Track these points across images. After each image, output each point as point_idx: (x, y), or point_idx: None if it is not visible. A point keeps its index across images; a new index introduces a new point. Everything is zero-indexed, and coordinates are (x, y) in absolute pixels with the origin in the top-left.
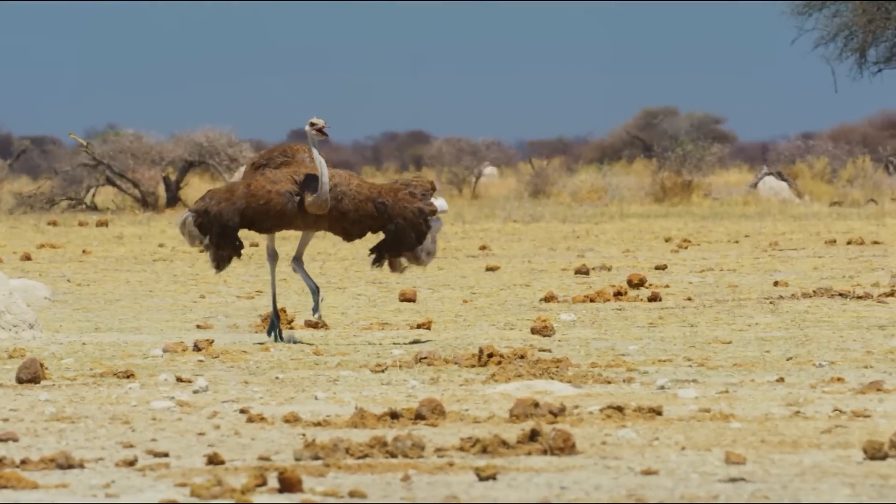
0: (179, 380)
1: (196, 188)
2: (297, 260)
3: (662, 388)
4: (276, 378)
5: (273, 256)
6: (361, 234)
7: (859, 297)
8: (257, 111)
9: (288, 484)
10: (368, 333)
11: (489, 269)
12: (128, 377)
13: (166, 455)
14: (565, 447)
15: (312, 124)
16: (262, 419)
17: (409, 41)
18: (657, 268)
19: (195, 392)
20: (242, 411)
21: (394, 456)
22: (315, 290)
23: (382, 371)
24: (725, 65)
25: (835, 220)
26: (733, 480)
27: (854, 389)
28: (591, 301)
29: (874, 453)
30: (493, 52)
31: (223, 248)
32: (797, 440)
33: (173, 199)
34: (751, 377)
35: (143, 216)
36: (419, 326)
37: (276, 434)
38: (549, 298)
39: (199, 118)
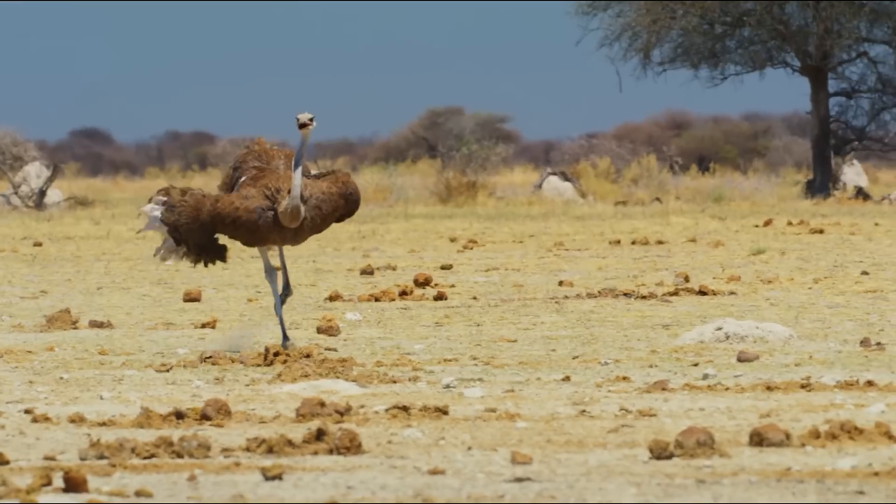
0: None
1: None
2: (271, 271)
3: (448, 387)
4: (61, 378)
5: (270, 271)
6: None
7: (644, 297)
8: (41, 110)
9: (73, 484)
10: (153, 333)
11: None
12: None
13: None
14: (351, 447)
15: (301, 125)
16: (48, 419)
17: (193, 41)
18: (443, 267)
19: None
20: (27, 411)
21: (180, 456)
22: (279, 302)
23: (167, 371)
24: (510, 64)
25: (619, 220)
26: (519, 480)
27: (639, 388)
28: (377, 300)
29: (660, 452)
30: (278, 53)
31: (208, 256)
32: (583, 439)
33: None
34: (537, 376)
35: None
36: (204, 326)
37: (61, 434)
38: (334, 298)
39: None
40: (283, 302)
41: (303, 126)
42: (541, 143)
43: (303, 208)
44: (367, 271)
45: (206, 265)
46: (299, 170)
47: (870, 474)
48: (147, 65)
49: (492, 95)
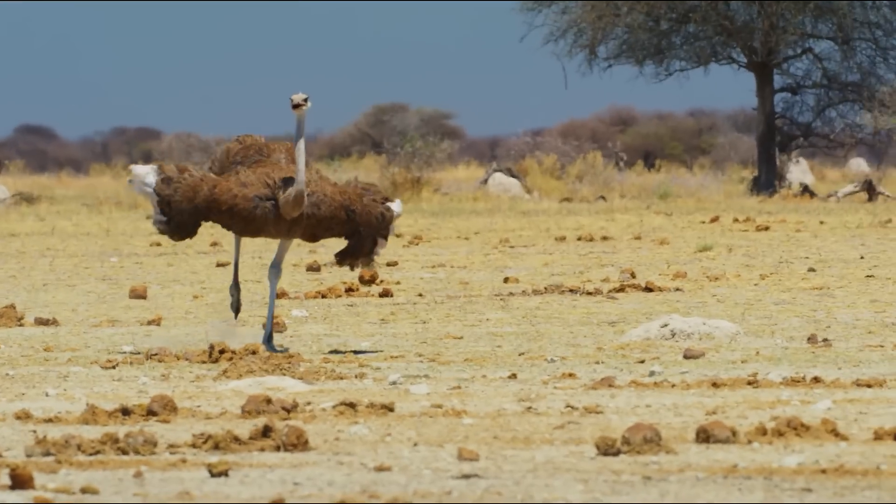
0: None
1: None
2: (276, 267)
3: (394, 384)
4: (7, 375)
5: (276, 267)
6: (324, 238)
7: (589, 294)
8: None
9: (19, 480)
10: (99, 330)
11: (220, 265)
12: None
13: None
14: (298, 443)
15: (295, 105)
16: None
17: (139, 36)
18: (388, 264)
19: None
20: None
21: (126, 452)
22: (269, 315)
23: (113, 367)
24: (455, 61)
25: (564, 216)
26: (466, 477)
27: (586, 385)
28: (323, 297)
29: (606, 449)
30: (222, 49)
31: (179, 234)
32: (530, 436)
33: None
34: (483, 373)
35: None
36: (150, 323)
37: (7, 431)
38: (280, 294)
39: None
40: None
41: (296, 106)
42: (486, 140)
43: (306, 198)
44: (314, 268)
45: (174, 239)
46: (302, 153)
47: (817, 471)
48: (91, 60)
49: (436, 92)
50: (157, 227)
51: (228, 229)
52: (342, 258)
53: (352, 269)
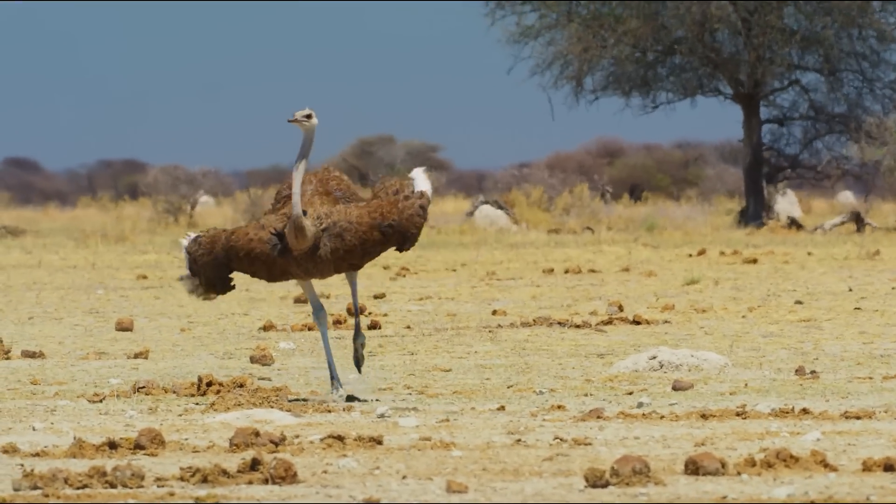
0: None
1: None
2: (315, 309)
3: (383, 416)
4: None
5: (318, 310)
6: (371, 259)
7: (577, 326)
8: None
9: None
10: (86, 363)
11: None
12: None
13: None
14: (287, 476)
15: (297, 121)
16: None
17: (122, 69)
18: (376, 296)
19: None
20: None
21: (113, 486)
22: (328, 359)
23: (100, 401)
24: (441, 93)
25: (552, 248)
26: None
27: (574, 417)
28: (310, 329)
29: (595, 481)
30: (209, 81)
31: (213, 290)
32: (519, 468)
33: None
34: (471, 405)
35: None
36: (136, 356)
37: None
38: (268, 327)
39: None
40: (358, 355)
41: (295, 121)
42: (473, 173)
43: (308, 224)
44: (301, 300)
45: (211, 298)
46: (299, 176)
47: (806, 503)
48: (76, 93)
49: (423, 124)
50: (189, 290)
51: (254, 276)
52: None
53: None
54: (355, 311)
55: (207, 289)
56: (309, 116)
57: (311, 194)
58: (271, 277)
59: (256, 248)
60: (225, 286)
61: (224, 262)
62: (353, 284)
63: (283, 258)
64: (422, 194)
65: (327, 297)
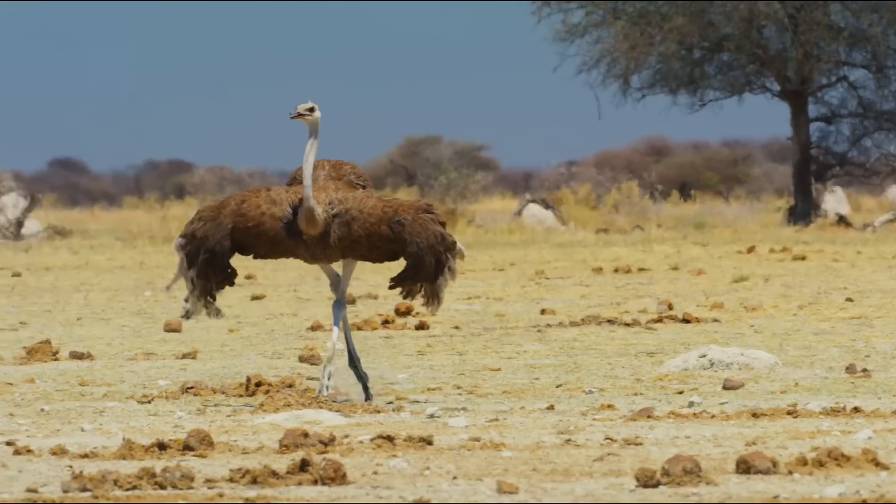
0: None
1: None
2: (339, 303)
3: (432, 416)
4: (42, 410)
5: (336, 302)
6: (382, 260)
7: (627, 325)
8: (17, 140)
9: None
10: (134, 364)
11: (255, 297)
12: None
13: None
14: (336, 477)
15: (301, 115)
16: (30, 451)
17: (171, 69)
18: None
19: None
20: (9, 444)
21: (163, 487)
22: (347, 342)
23: (149, 402)
24: (488, 92)
25: (601, 247)
26: None
27: (625, 416)
28: (359, 329)
29: (646, 481)
30: (256, 82)
31: (210, 278)
32: (569, 468)
33: None
34: (521, 405)
35: None
36: (185, 356)
37: (43, 466)
38: (316, 327)
39: None
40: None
41: (298, 116)
42: (520, 171)
43: (319, 212)
44: (349, 300)
45: (205, 303)
46: (310, 163)
47: (858, 502)
48: (124, 94)
49: (470, 123)
50: (188, 309)
51: (254, 252)
52: (397, 282)
53: (409, 296)
54: (340, 297)
55: (202, 281)
56: (312, 110)
57: (325, 179)
58: (272, 254)
59: (267, 223)
60: (223, 273)
61: (227, 231)
62: (346, 271)
63: (292, 239)
64: (450, 234)
65: (375, 298)
